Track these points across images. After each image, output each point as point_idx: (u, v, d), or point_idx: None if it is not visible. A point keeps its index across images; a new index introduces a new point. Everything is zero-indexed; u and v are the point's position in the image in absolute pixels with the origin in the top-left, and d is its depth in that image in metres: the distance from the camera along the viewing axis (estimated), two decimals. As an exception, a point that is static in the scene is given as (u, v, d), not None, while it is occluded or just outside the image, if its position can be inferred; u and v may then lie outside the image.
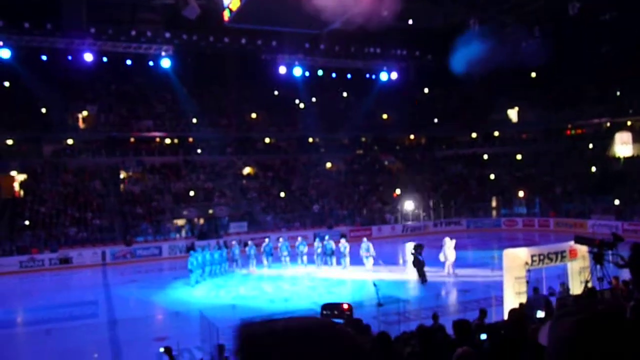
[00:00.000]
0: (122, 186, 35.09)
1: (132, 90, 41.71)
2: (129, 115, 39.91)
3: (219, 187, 36.59)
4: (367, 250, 21.88)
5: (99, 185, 34.24)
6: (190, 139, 40.47)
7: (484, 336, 7.30)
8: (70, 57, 31.81)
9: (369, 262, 21.70)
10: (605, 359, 0.89)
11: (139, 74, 38.88)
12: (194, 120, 40.42)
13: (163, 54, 33.10)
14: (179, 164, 38.23)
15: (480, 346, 6.25)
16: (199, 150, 40.04)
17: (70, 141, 37.43)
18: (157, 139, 40.12)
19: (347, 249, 22.38)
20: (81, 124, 38.75)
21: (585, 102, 41.72)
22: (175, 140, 40.39)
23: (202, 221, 32.71)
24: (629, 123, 40.31)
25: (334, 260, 22.69)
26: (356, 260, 22.41)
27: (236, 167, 39.66)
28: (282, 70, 36.80)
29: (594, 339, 0.91)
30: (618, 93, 41.67)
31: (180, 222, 32.66)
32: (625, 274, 12.97)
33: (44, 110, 36.99)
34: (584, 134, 43.35)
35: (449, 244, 19.70)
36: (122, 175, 36.12)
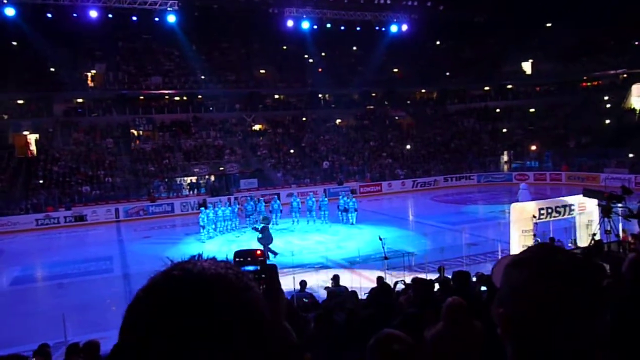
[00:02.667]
0: (133, 144, 35.31)
1: (140, 48, 41.32)
2: (138, 72, 39.71)
3: (229, 144, 36.66)
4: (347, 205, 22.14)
5: (110, 144, 34.50)
6: (199, 96, 40.29)
7: (484, 288, 7.42)
8: (75, 14, 31.42)
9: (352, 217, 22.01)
10: (559, 310, 0.89)
11: (146, 30, 38.38)
12: (202, 77, 40.11)
13: (169, 9, 32.56)
14: (188, 121, 38.25)
15: (479, 297, 6.37)
16: (208, 107, 39.91)
17: (80, 100, 37.49)
18: (167, 97, 40.02)
19: (355, 205, 22.53)
20: (90, 83, 38.67)
21: (601, 54, 40.53)
22: (185, 97, 40.25)
23: (213, 178, 32.97)
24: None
25: (344, 215, 22.88)
26: (366, 215, 22.60)
27: (246, 123, 39.57)
28: (290, 24, 36.08)
29: (547, 287, 0.91)
30: (636, 44, 40.39)
31: (191, 179, 32.96)
32: (634, 227, 12.94)
33: (52, 69, 36.89)
34: (599, 85, 42.36)
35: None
36: (133, 133, 36.30)
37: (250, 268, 2.09)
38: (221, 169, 33.51)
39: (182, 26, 35.34)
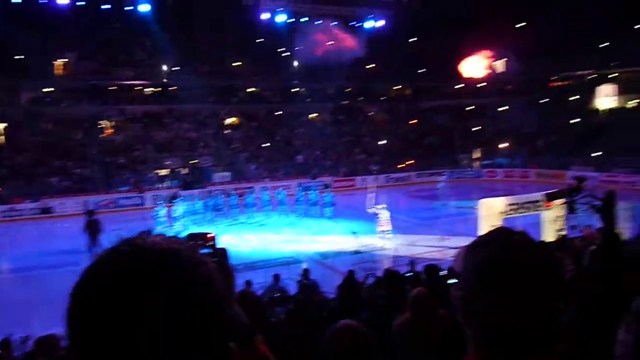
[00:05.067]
0: (103, 135, 34.63)
1: (112, 37, 40.41)
2: (109, 62, 38.88)
3: (203, 136, 36.30)
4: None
5: (80, 135, 33.75)
6: (172, 87, 39.71)
7: (452, 280, 7.57)
8: (44, 1, 30.60)
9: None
10: (513, 287, 0.92)
11: (118, 20, 37.59)
12: (175, 68, 39.52)
13: (141, -3, 32.02)
14: (161, 112, 37.69)
15: (448, 289, 6.50)
16: (181, 99, 39.35)
17: (49, 89, 36.53)
18: (139, 87, 39.33)
19: (333, 200, 22.59)
20: (60, 72, 37.71)
21: (569, 54, 41.49)
22: (157, 89, 39.62)
23: (185, 171, 32.60)
24: (613, 75, 40.37)
25: (317, 209, 22.93)
26: (340, 210, 22.69)
27: (220, 116, 39.22)
28: (265, 16, 35.85)
29: (504, 268, 0.94)
30: (602, 46, 41.50)
31: (163, 172, 32.53)
32: (598, 222, 13.33)
33: (20, 56, 35.81)
34: (567, 85, 43.40)
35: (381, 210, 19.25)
36: (104, 124, 35.57)
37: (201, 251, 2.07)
38: (194, 162, 33.17)
39: (155, 16, 34.76)
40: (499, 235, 1.01)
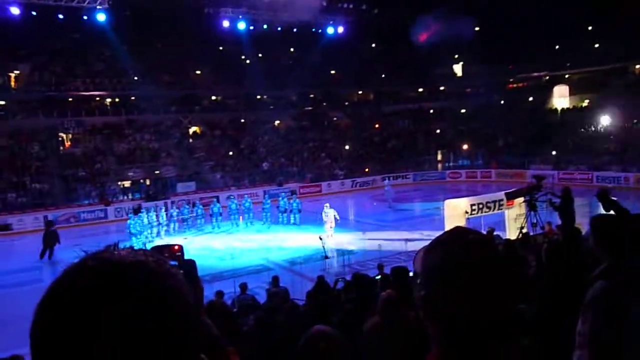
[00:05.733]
0: (62, 148, 33.68)
1: (68, 47, 39.36)
2: (66, 73, 37.85)
3: (165, 146, 35.76)
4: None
5: (37, 148, 32.71)
6: (132, 98, 39.00)
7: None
8: (-6, 11, 29.63)
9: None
10: (471, 284, 0.95)
11: (74, 29, 36.64)
12: (135, 78, 38.84)
13: (98, 7, 31.33)
14: (121, 123, 36.93)
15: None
16: (142, 109, 38.66)
17: (2, 102, 35.31)
18: (97, 98, 38.45)
19: (300, 206, 22.58)
20: (13, 84, 36.51)
21: (525, 57, 42.85)
22: (117, 99, 38.83)
23: (148, 182, 32.03)
24: (566, 76, 41.90)
25: (285, 217, 22.89)
26: (306, 216, 22.71)
27: (182, 126, 38.74)
28: (226, 24, 35.67)
29: (461, 266, 0.96)
30: (557, 48, 43.11)
31: (125, 183, 31.87)
32: (558, 219, 13.77)
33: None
34: (524, 87, 44.80)
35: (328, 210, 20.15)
36: (62, 136, 34.61)
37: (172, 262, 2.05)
38: (157, 172, 32.63)
39: (113, 25, 34.07)
40: (455, 235, 1.04)
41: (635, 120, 33.05)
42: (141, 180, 32.05)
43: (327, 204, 20.38)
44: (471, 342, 0.95)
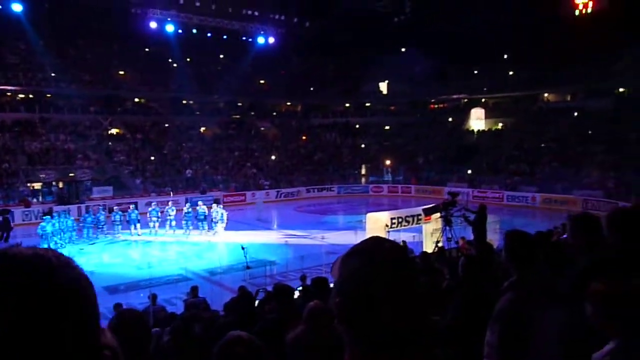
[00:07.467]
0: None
1: (-23, 38, 36.65)
2: (-27, 65, 35.13)
3: (82, 148, 33.95)
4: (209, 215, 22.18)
5: None
6: (48, 95, 36.79)
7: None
8: None
9: (219, 227, 21.79)
10: (386, 291, 0.97)
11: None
12: (53, 75, 36.71)
13: (13, -4, 29.47)
14: (34, 121, 34.67)
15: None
16: (58, 108, 36.53)
17: None
18: (9, 93, 35.89)
19: (224, 215, 22.12)
20: None
21: (446, 79, 45.13)
22: (31, 95, 36.44)
23: (61, 185, 30.23)
24: (482, 100, 44.53)
25: (206, 225, 22.37)
26: (229, 225, 22.35)
27: (102, 127, 37.02)
28: (154, 25, 34.69)
29: (376, 274, 0.99)
30: (475, 72, 45.82)
31: (36, 185, 29.88)
32: (471, 235, 14.49)
33: None
34: (444, 108, 47.09)
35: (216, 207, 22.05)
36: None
37: None
38: (71, 175, 30.88)
39: (31, 18, 32.09)
40: (372, 243, 1.07)
41: (542, 144, 35.59)
42: (53, 183, 30.19)
43: (215, 204, 22.14)
44: (384, 349, 0.97)
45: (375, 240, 1.08)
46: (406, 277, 1.01)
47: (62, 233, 19.84)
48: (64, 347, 0.67)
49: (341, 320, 1.01)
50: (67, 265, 0.72)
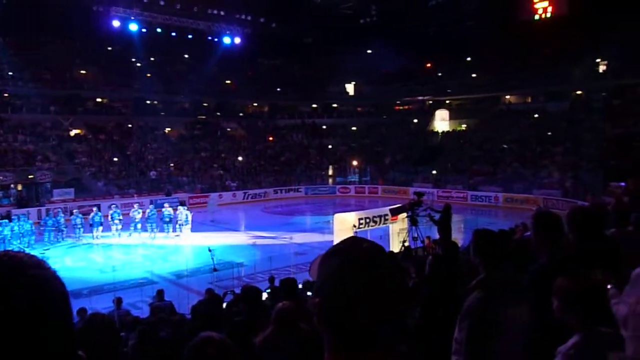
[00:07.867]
0: None
1: None
2: None
3: (42, 149, 32.94)
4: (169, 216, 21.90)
5: None
6: (6, 95, 35.56)
7: (309, 293, 7.81)
8: None
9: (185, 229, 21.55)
10: (365, 291, 0.99)
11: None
12: (10, 73, 35.51)
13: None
14: (-10, 122, 33.47)
15: (305, 302, 6.68)
16: (16, 108, 35.34)
17: None
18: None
19: (189, 217, 21.81)
20: None
21: (411, 81, 45.77)
22: (-14, 95, 35.16)
23: (20, 187, 29.26)
24: (447, 102, 45.35)
25: (171, 227, 22.00)
26: (195, 227, 22.08)
27: (62, 127, 36.01)
28: (116, 24, 33.95)
29: (355, 274, 1.00)
30: (439, 75, 46.67)
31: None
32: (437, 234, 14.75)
33: None
34: (410, 109, 47.74)
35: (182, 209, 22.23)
36: None
37: None
38: (30, 177, 29.93)
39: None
40: (351, 243, 1.08)
41: (504, 146, 36.45)
42: (12, 185, 29.18)
43: (180, 206, 22.50)
44: (363, 349, 0.99)
45: (353, 240, 1.09)
46: (383, 276, 1.02)
47: (21, 237, 19.24)
48: (39, 348, 0.67)
49: (321, 321, 1.02)
50: (40, 266, 0.72)
